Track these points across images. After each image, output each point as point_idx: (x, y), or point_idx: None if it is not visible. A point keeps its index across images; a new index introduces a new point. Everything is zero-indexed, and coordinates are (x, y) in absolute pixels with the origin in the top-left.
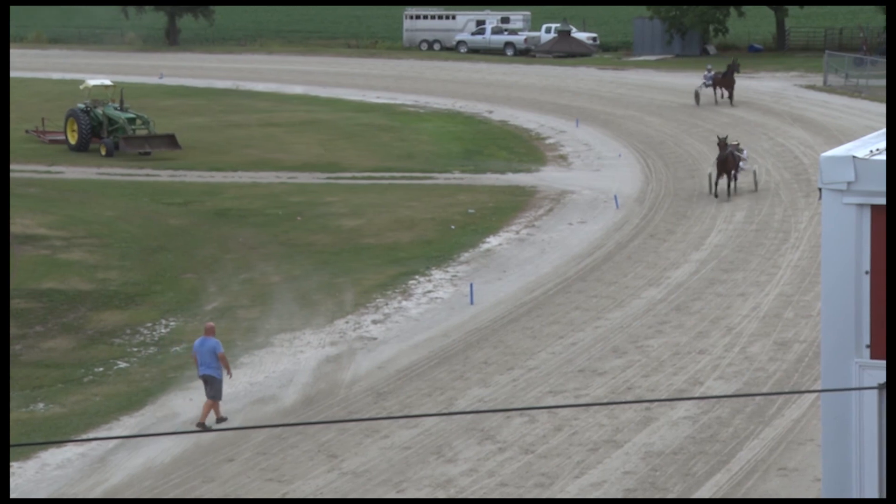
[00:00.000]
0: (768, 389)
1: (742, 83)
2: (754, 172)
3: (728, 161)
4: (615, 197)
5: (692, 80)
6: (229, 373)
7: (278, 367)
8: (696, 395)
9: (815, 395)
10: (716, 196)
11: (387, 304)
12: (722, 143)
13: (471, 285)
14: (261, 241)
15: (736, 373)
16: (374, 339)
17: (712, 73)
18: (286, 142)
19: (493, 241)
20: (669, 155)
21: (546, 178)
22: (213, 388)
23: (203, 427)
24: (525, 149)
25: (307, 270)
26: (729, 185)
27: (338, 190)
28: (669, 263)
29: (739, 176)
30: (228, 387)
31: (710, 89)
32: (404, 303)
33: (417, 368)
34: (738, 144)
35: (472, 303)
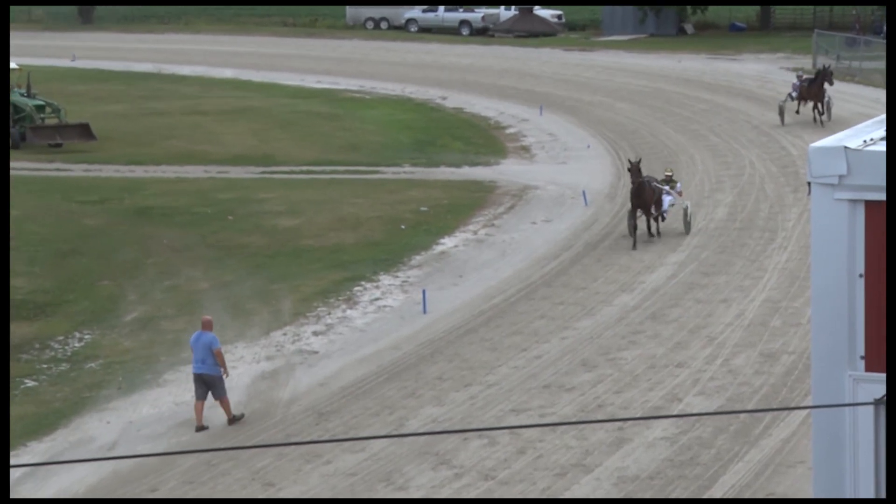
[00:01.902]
0: (754, 406)
1: (722, 66)
2: (686, 210)
3: (643, 193)
4: (583, 193)
5: (667, 62)
6: (226, 371)
7: None
8: (675, 412)
9: (805, 412)
10: (633, 247)
11: (329, 314)
12: (634, 169)
13: (423, 292)
14: (187, 244)
15: (718, 388)
16: (315, 352)
17: (804, 80)
18: (215, 132)
19: (448, 243)
20: (643, 145)
21: (507, 171)
22: (215, 387)
23: (237, 420)
24: (483, 139)
25: (239, 276)
26: (648, 225)
27: (273, 185)
28: (644, 266)
29: (667, 212)
30: (151, 408)
31: (797, 102)
32: (349, 312)
33: (364, 385)
34: (672, 175)
35: (424, 311)
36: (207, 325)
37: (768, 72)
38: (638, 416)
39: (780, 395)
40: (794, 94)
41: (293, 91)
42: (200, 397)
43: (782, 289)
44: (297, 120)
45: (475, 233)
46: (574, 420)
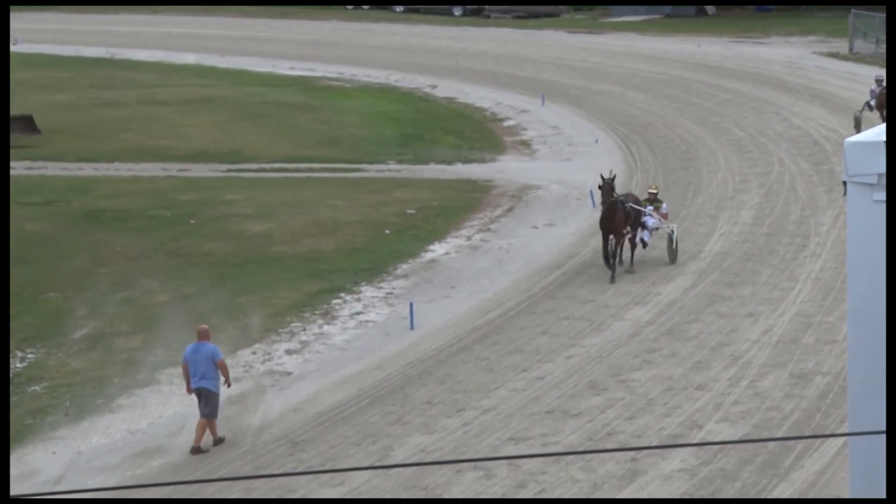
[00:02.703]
0: (784, 433)
1: (748, 50)
2: (671, 236)
3: (613, 215)
4: (591, 193)
5: (685, 46)
6: (228, 383)
7: (166, 410)
8: (694, 441)
9: (841, 440)
10: (612, 279)
11: (304, 330)
12: (605, 188)
13: (410, 305)
14: (143, 251)
15: (743, 413)
16: (289, 373)
17: (883, 85)
18: (175, 125)
19: (438, 250)
20: (658, 140)
21: (504, 169)
22: (210, 405)
23: (199, 451)
24: (478, 133)
25: (202, 287)
26: (618, 254)
27: (241, 185)
28: (659, 276)
29: (650, 236)
30: (103, 437)
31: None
32: (326, 327)
33: (343, 410)
34: (656, 193)
35: (411, 327)
36: (205, 335)
37: (800, 57)
38: (653, 444)
39: (814, 422)
40: (872, 103)
41: (263, 79)
42: (204, 415)
43: (815, 301)
44: (267, 111)
45: (469, 238)
46: (581, 449)
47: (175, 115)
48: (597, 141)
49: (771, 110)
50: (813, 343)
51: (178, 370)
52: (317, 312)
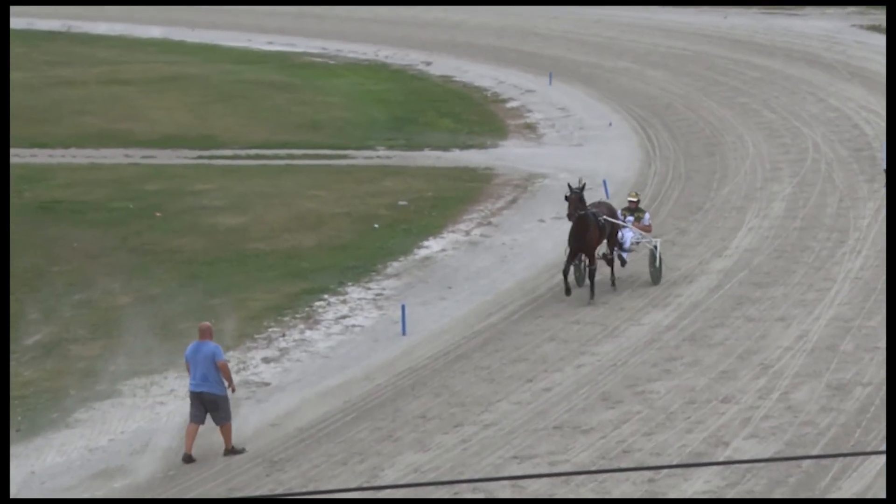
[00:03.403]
0: (820, 451)
1: (780, 23)
2: (653, 252)
3: (585, 231)
4: (604, 183)
5: (710, 18)
6: (232, 387)
7: (129, 425)
8: (720, 459)
9: (883, 458)
10: (566, 293)
11: (283, 336)
12: (574, 199)
13: (402, 308)
14: (104, 247)
15: (774, 429)
16: (266, 384)
17: None
18: (139, 106)
19: (433, 246)
20: (679, 123)
21: (507, 156)
22: (220, 410)
23: (233, 452)
24: (477, 115)
25: (170, 288)
26: (591, 274)
27: (213, 174)
28: (681, 276)
29: (629, 252)
30: (58, 455)
31: None
32: (308, 333)
33: (327, 426)
34: (637, 202)
35: (403, 332)
36: (206, 333)
37: (837, 31)
38: (673, 463)
39: (853, 438)
40: None
41: (238, 55)
42: (196, 419)
43: (855, 304)
44: (242, 91)
45: (467, 233)
46: (593, 469)
47: (139, 95)
48: (610, 124)
49: (805, 90)
50: (852, 350)
51: (143, 381)
52: (297, 316)
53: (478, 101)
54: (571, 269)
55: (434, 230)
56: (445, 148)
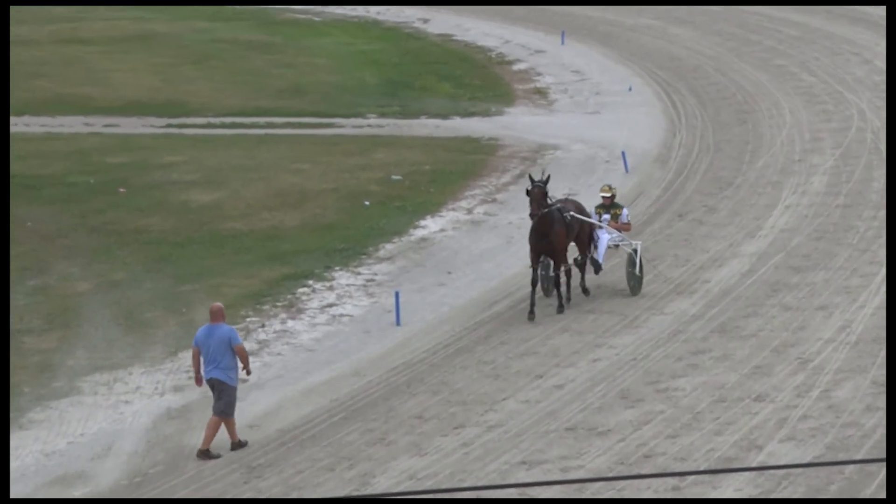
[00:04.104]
0: (864, 455)
1: None
2: (632, 256)
3: (549, 231)
4: (623, 154)
5: None
6: (247, 370)
7: (90, 427)
8: (753, 465)
9: None
10: (530, 314)
11: (263, 326)
12: (536, 194)
13: (396, 295)
14: (60, 227)
15: (814, 431)
16: (244, 380)
17: None
18: (100, 69)
19: (430, 226)
20: (707, 88)
21: (515, 125)
22: (224, 399)
23: (206, 455)
24: (481, 79)
25: (135, 273)
26: (558, 282)
27: (183, 145)
28: (709, 259)
29: (602, 256)
30: (12, 459)
31: None
32: (290, 323)
33: (312, 427)
34: (612, 196)
35: (398, 323)
36: (219, 315)
37: None
38: (701, 469)
39: None
40: None
41: (212, 11)
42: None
43: None
44: (216, 52)
45: (469, 211)
46: (610, 476)
47: (101, 56)
48: (630, 89)
49: (849, 50)
50: None
51: (105, 377)
52: (279, 304)
53: (481, 63)
54: (539, 277)
55: (432, 208)
56: (445, 116)
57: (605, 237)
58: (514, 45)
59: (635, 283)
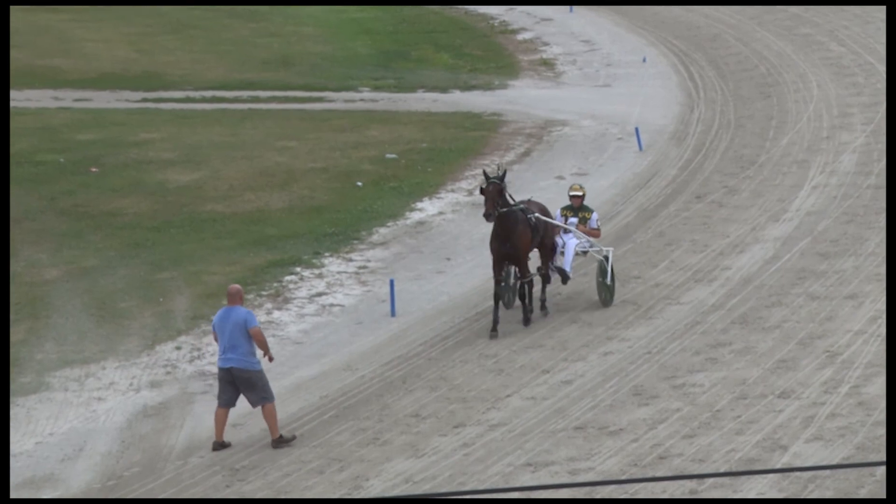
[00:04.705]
0: None
1: None
2: (602, 264)
3: (511, 234)
4: (637, 131)
5: None
6: (269, 356)
7: (60, 425)
8: (777, 466)
9: None
10: (492, 330)
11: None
12: (491, 192)
13: (391, 283)
14: (27, 210)
15: (843, 430)
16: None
17: None
18: (71, 38)
19: (428, 208)
20: (728, 59)
21: (519, 99)
22: (254, 388)
23: (221, 445)
24: (482, 49)
25: (108, 259)
26: (522, 292)
27: (161, 120)
28: (729, 244)
29: (570, 264)
30: None
31: None
32: (277, 314)
33: (300, 426)
34: (581, 196)
35: (392, 313)
36: (236, 297)
37: None
38: (721, 471)
39: None
40: None
41: None
42: (225, 403)
43: None
44: (196, 20)
45: (470, 193)
46: (623, 478)
47: (71, 24)
48: (644, 60)
49: (880, 18)
50: None
51: (76, 372)
52: (264, 293)
53: (483, 32)
54: (504, 285)
55: (429, 189)
56: (443, 89)
57: (572, 242)
58: (518, 13)
59: (606, 294)
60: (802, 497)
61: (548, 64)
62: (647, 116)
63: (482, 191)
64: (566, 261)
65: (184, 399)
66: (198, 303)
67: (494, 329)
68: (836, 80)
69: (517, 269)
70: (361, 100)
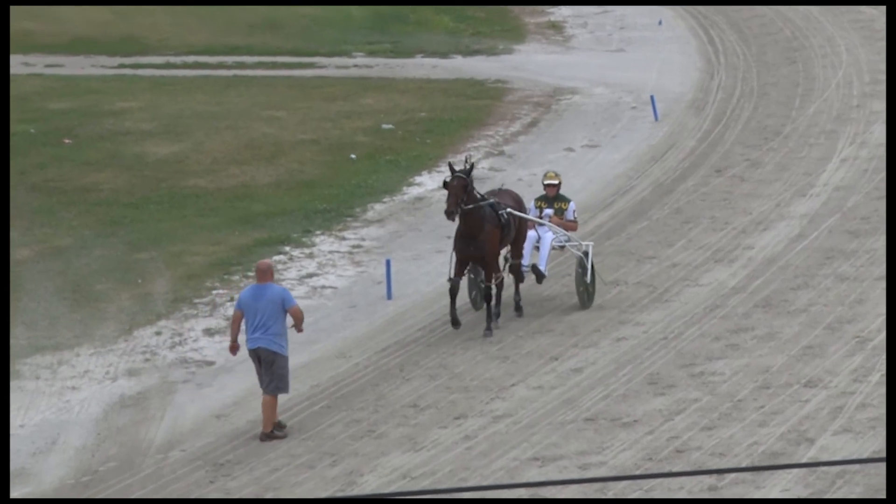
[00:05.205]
0: None
1: None
2: (582, 261)
3: (478, 233)
4: (652, 100)
5: None
6: (299, 328)
7: (31, 417)
8: (803, 461)
9: None
10: (453, 323)
11: (231, 300)
12: (454, 188)
13: (387, 263)
14: None
15: (874, 421)
16: (209, 363)
17: None
18: None
19: (427, 183)
20: (751, 22)
21: (526, 64)
22: (277, 373)
23: (272, 435)
24: (486, 11)
25: (82, 238)
26: (488, 297)
27: (139, 88)
28: (751, 222)
29: (545, 262)
30: None
31: None
32: None
33: (289, 417)
34: (557, 184)
35: (389, 296)
36: (268, 274)
37: None
38: (742, 466)
39: None
40: None
41: None
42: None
43: None
44: None
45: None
46: (637, 474)
47: None
48: (660, 23)
49: None
50: None
51: (48, 359)
52: (250, 275)
53: None
54: (463, 284)
55: (428, 162)
56: (444, 54)
57: (548, 237)
58: None
59: (585, 292)
60: (829, 496)
61: (556, 27)
62: (663, 84)
63: (445, 185)
64: (541, 258)
65: (164, 388)
66: (179, 285)
67: (456, 321)
68: (866, 44)
69: (484, 272)
70: (355, 66)
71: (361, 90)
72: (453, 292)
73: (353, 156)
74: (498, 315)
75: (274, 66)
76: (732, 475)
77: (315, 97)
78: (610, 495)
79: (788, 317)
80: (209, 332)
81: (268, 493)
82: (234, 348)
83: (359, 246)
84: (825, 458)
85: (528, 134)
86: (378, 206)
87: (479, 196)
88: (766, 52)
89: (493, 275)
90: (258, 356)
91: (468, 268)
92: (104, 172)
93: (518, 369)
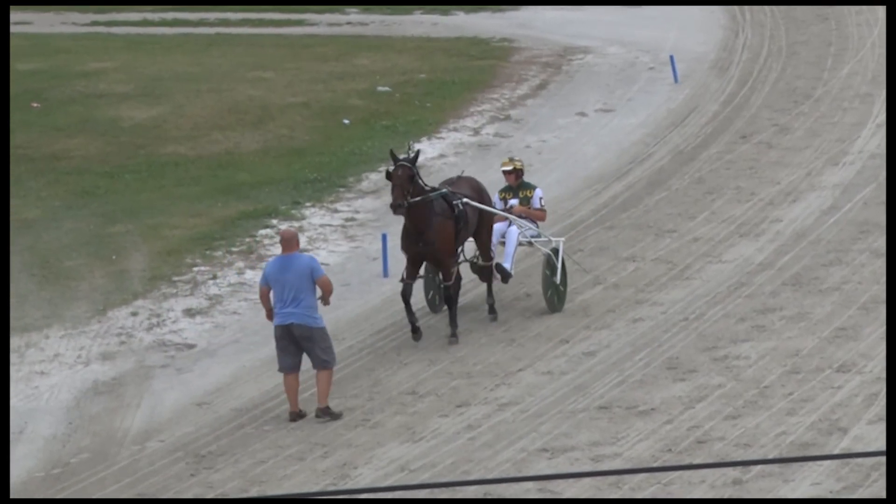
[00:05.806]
0: None
1: None
2: (551, 259)
3: (426, 229)
4: (671, 60)
5: None
6: (326, 300)
7: None
8: (835, 452)
9: None
10: (414, 333)
11: (214, 278)
12: (399, 179)
13: (383, 238)
14: None
15: None
16: (190, 346)
17: None
18: None
19: (427, 150)
20: None
21: (533, 21)
22: (314, 347)
23: (330, 415)
24: None
25: (53, 210)
26: (448, 300)
27: (113, 47)
28: (780, 192)
29: (511, 259)
30: None
31: None
32: (250, 274)
33: (276, 405)
34: (520, 170)
35: (385, 274)
36: (293, 243)
37: None
38: (769, 458)
39: None
40: None
41: None
42: (290, 367)
43: None
44: None
45: (476, 132)
46: (655, 466)
47: None
48: None
49: None
50: None
51: (15, 342)
52: (234, 250)
53: None
54: (414, 288)
55: (428, 128)
56: (444, 10)
57: (513, 232)
58: None
59: (554, 294)
60: (864, 490)
61: None
62: (683, 42)
63: (388, 175)
64: (507, 255)
65: (141, 374)
66: (157, 261)
67: (416, 330)
68: None
69: (441, 272)
70: (349, 23)
71: (355, 49)
72: (405, 296)
73: (346, 121)
74: (456, 326)
75: (260, 23)
76: (758, 468)
77: (305, 57)
78: (625, 489)
79: (820, 296)
80: (189, 313)
81: (253, 487)
82: (271, 314)
83: (352, 219)
84: (859, 448)
85: (537, 97)
86: (373, 176)
87: (425, 187)
88: (796, 7)
89: (451, 274)
90: (291, 333)
91: (422, 267)
92: (76, 139)
93: (525, 353)
